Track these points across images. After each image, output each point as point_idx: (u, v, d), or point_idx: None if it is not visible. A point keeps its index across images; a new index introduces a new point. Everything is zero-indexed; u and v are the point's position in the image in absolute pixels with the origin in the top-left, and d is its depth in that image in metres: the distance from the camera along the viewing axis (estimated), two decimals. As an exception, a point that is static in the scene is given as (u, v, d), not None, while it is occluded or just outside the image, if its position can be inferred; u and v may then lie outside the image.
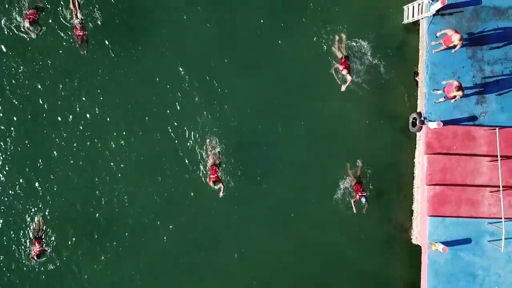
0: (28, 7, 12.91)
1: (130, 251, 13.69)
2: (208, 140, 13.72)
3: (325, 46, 14.09)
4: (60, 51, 13.39)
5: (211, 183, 13.36)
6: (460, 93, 12.37)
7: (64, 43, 13.37)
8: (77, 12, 12.97)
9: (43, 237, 13.27)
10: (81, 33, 12.88)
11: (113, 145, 13.66)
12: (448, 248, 12.81)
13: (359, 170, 13.96)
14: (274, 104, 14.00)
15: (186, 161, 13.80)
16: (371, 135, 14.38)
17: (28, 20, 12.65)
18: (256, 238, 13.97)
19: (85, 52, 13.22)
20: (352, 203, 13.68)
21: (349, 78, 13.52)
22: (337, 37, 13.88)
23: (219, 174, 13.28)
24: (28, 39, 13.16)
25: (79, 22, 12.88)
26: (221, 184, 13.23)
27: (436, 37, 13.12)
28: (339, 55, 13.70)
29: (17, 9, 13.12)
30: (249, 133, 13.99)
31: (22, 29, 13.10)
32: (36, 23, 12.84)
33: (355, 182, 13.78)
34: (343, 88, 13.77)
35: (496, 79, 13.48)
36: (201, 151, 13.78)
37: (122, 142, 13.68)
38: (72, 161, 13.52)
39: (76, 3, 13.02)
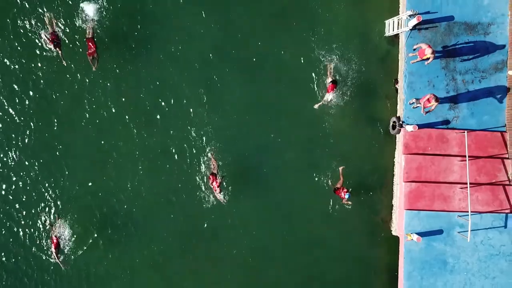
0: (51, 30, 14.26)
1: (138, 243, 15.18)
2: (208, 150, 15.19)
3: (316, 62, 15.58)
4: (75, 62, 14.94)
5: (216, 192, 14.78)
6: (434, 104, 13.89)
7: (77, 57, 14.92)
8: (90, 31, 14.41)
9: (59, 234, 14.71)
10: (92, 51, 14.23)
11: (123, 146, 15.15)
12: (422, 238, 14.39)
13: (341, 175, 15.27)
14: (268, 113, 15.47)
15: (188, 161, 15.29)
16: (356, 138, 15.86)
17: (51, 43, 14.14)
18: (252, 230, 15.48)
19: (95, 67, 14.63)
20: (343, 201, 15.16)
21: (328, 98, 14.96)
22: (328, 66, 15.33)
23: (219, 181, 14.59)
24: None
25: (91, 39, 14.26)
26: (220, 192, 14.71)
27: (413, 49, 14.64)
28: (328, 80, 15.18)
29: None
30: (246, 139, 15.44)
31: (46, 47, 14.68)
32: (59, 47, 14.21)
33: (339, 185, 15.20)
34: (316, 106, 15.22)
35: (467, 87, 15.03)
36: (201, 157, 15.29)
37: (132, 142, 15.18)
38: (84, 165, 15.02)
39: (90, 23, 14.50)
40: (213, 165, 14.93)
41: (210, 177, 14.74)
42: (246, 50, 15.39)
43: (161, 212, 15.23)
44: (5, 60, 14.62)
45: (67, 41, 14.70)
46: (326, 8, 15.74)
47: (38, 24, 14.58)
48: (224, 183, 15.04)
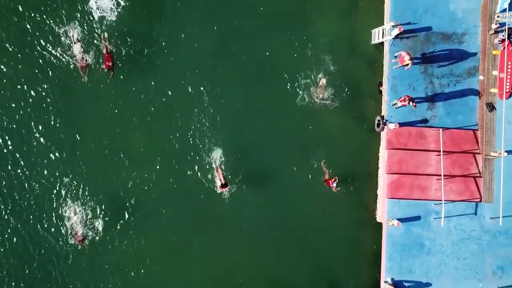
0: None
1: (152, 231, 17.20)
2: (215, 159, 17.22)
3: (311, 67, 17.55)
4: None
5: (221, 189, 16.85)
6: (412, 103, 15.79)
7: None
8: (107, 46, 16.35)
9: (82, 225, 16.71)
10: (110, 64, 16.24)
11: (138, 145, 17.13)
12: (402, 224, 16.30)
13: (325, 168, 17.23)
14: (267, 114, 17.49)
15: (197, 157, 17.26)
16: (345, 135, 17.83)
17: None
18: (253, 218, 17.44)
19: (110, 78, 16.61)
20: (333, 189, 17.01)
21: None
22: (320, 82, 17.29)
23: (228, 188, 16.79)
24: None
25: (109, 54, 16.25)
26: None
27: (395, 56, 16.50)
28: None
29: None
30: (247, 138, 17.47)
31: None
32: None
33: (327, 176, 17.12)
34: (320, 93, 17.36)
35: (443, 90, 16.91)
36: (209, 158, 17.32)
37: (145, 142, 17.18)
38: (103, 165, 17.05)
39: (107, 40, 16.46)
40: (221, 177, 16.82)
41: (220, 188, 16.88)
42: (248, 56, 17.36)
43: (171, 202, 17.21)
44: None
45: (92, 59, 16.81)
46: (320, 19, 17.66)
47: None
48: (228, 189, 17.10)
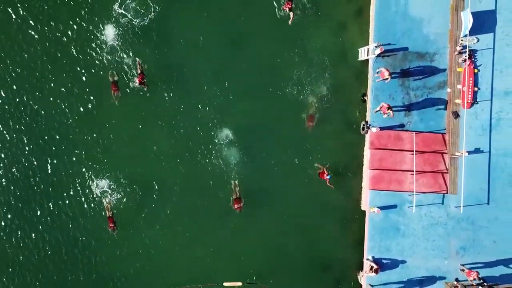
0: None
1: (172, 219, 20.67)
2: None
3: (309, 78, 20.90)
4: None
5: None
6: (390, 112, 19.10)
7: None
8: (141, 67, 19.84)
9: (112, 215, 20.05)
10: (142, 81, 19.71)
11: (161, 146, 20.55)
12: (381, 211, 19.62)
13: (319, 165, 20.64)
14: (269, 122, 20.92)
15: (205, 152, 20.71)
16: (337, 136, 21.15)
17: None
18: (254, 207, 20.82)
19: (145, 89, 20.14)
20: (327, 182, 20.35)
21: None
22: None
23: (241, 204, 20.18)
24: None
25: (142, 74, 19.71)
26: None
27: (377, 72, 19.78)
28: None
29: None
30: (251, 142, 20.82)
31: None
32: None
33: (319, 171, 20.54)
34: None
35: (417, 100, 20.16)
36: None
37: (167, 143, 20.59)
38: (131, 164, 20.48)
39: (140, 63, 19.94)
40: (236, 191, 20.27)
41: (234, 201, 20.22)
42: (252, 73, 20.76)
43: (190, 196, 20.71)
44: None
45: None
46: (315, 38, 20.86)
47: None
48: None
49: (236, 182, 20.52)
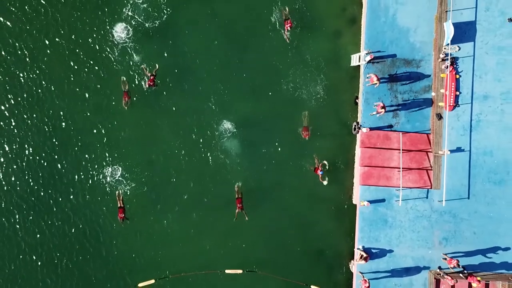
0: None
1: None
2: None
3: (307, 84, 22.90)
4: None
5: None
6: (383, 110, 20.91)
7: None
8: (153, 71, 21.76)
9: (123, 205, 21.94)
10: (152, 83, 21.59)
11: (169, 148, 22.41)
12: (371, 204, 21.40)
13: (316, 162, 22.54)
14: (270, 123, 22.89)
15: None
16: (330, 136, 23.00)
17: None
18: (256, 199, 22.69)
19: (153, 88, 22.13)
20: (320, 177, 22.18)
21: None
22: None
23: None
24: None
25: (153, 75, 21.64)
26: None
27: (367, 77, 21.57)
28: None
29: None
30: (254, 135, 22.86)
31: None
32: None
33: (314, 167, 22.37)
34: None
35: (404, 102, 21.92)
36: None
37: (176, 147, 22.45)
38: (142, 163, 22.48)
39: (153, 73, 21.90)
40: (239, 194, 22.19)
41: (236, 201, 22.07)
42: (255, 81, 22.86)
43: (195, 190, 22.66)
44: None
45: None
46: (311, 45, 22.77)
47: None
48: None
49: (240, 184, 22.37)
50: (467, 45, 21.40)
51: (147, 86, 21.82)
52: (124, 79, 22.05)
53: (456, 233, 21.57)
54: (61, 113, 22.24)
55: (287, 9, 22.34)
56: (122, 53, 22.18)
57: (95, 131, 22.32)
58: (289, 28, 22.07)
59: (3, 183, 22.12)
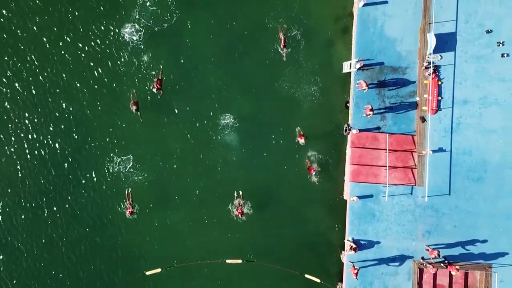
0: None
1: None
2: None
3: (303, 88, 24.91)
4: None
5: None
6: (371, 113, 22.83)
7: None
8: (159, 74, 23.53)
9: (132, 202, 23.83)
10: (159, 87, 23.45)
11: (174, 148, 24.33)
12: (360, 200, 23.32)
13: (309, 161, 24.50)
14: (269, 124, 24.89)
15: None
16: (324, 137, 24.93)
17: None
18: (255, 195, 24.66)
19: (159, 96, 23.85)
20: (313, 176, 24.11)
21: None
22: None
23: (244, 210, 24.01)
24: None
25: (160, 80, 23.48)
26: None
27: (357, 83, 23.48)
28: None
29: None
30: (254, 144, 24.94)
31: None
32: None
33: (309, 165, 24.31)
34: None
35: (391, 106, 23.79)
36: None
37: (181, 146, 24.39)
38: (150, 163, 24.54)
39: (160, 78, 23.74)
40: (240, 201, 24.11)
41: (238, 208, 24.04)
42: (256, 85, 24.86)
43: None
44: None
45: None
46: (308, 52, 24.70)
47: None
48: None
49: (240, 192, 24.24)
50: (449, 54, 23.27)
51: (155, 89, 23.63)
52: (134, 91, 23.93)
53: (438, 226, 23.42)
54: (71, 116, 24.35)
55: (284, 26, 24.36)
56: (131, 54, 24.17)
57: (111, 129, 24.57)
58: (282, 47, 24.16)
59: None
